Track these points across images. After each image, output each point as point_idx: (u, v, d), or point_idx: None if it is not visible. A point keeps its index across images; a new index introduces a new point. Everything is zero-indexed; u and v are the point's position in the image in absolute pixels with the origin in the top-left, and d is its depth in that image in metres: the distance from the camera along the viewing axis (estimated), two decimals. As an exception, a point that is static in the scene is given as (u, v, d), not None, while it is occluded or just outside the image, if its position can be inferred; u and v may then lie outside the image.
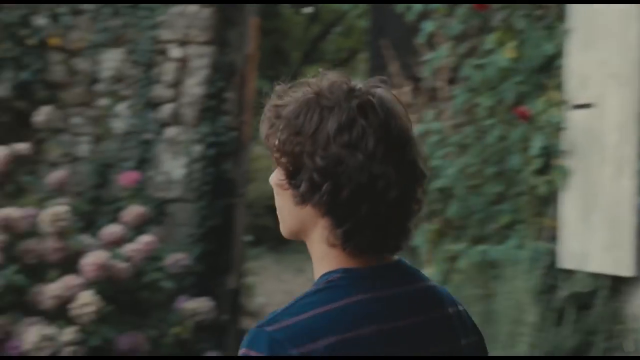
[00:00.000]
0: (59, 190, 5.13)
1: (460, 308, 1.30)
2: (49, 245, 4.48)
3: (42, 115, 5.37)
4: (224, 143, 5.49)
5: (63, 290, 4.29)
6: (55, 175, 5.20)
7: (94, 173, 5.55)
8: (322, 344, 1.12)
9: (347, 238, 1.19)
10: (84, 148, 5.65)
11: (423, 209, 1.25)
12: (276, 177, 1.24)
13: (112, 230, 4.77)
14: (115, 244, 4.72)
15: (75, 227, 4.71)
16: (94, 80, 5.66)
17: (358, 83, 1.22)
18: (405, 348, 1.18)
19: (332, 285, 1.18)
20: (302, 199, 1.20)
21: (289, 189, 1.21)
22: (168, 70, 5.53)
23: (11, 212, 4.48)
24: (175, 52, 5.55)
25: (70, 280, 4.34)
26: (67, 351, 4.08)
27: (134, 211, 4.99)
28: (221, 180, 5.48)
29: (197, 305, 4.87)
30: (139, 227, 4.99)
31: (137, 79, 5.56)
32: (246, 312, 6.28)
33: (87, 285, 4.33)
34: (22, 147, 4.97)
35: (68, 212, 4.55)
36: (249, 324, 5.64)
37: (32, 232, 4.64)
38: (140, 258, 4.67)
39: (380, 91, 1.22)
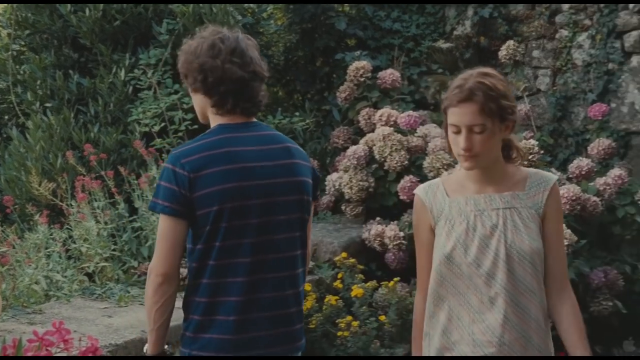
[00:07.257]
0: (523, 124, 5.19)
1: (297, 146, 2.30)
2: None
3: (503, 49, 5.46)
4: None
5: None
6: (519, 109, 5.27)
7: (555, 106, 5.51)
8: (192, 158, 2.14)
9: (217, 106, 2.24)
10: (544, 81, 5.63)
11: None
12: None
13: (580, 163, 4.69)
14: (584, 177, 4.64)
15: (543, 160, 4.73)
16: (554, 12, 5.59)
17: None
18: (245, 158, 2.17)
19: (211, 131, 2.23)
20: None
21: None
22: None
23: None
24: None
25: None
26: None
27: (601, 144, 4.86)
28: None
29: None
30: (603, 161, 4.87)
31: (599, 8, 5.36)
32: None
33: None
34: (488, 82, 5.10)
35: (537, 145, 4.57)
36: None
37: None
38: (610, 192, 4.54)
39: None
